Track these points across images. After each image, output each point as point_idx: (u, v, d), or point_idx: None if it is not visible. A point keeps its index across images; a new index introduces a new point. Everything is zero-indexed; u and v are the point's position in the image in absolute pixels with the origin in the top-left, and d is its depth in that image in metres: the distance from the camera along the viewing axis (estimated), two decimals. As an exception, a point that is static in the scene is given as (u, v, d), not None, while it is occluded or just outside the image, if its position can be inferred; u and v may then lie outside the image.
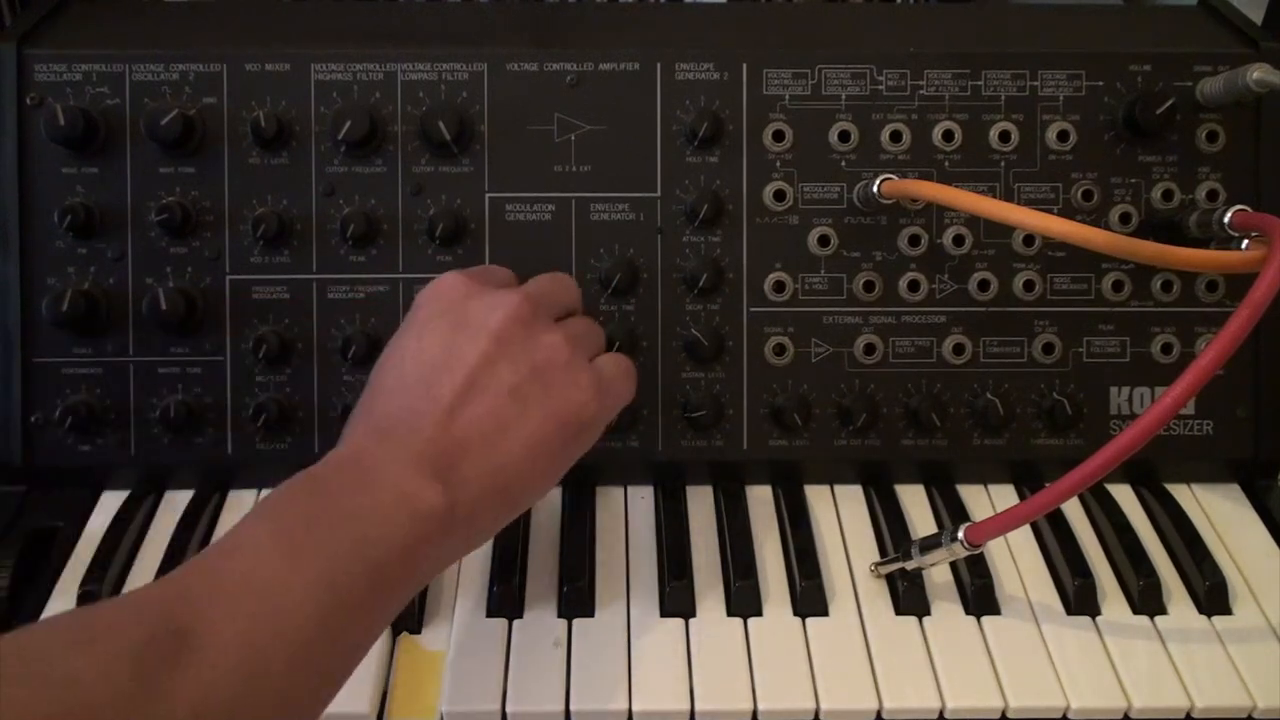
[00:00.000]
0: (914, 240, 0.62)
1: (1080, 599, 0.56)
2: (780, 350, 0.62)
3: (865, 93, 0.62)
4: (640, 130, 0.62)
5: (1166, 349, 0.62)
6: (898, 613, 0.56)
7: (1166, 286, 0.62)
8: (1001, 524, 0.51)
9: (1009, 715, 0.51)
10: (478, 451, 0.46)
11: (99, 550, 0.57)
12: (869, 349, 0.62)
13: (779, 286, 0.62)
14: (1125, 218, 0.62)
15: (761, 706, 0.51)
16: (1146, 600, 0.56)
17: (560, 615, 0.55)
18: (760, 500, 0.62)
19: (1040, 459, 0.63)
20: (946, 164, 0.62)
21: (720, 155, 0.62)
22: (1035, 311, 0.62)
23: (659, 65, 0.62)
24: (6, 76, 0.60)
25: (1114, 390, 0.63)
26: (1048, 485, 0.49)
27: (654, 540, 0.60)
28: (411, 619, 0.54)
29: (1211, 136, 0.62)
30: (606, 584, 0.57)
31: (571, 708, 0.51)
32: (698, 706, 0.51)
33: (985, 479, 0.64)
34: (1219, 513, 0.62)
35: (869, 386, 0.62)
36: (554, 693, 0.51)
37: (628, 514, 0.62)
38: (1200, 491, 0.64)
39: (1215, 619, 0.56)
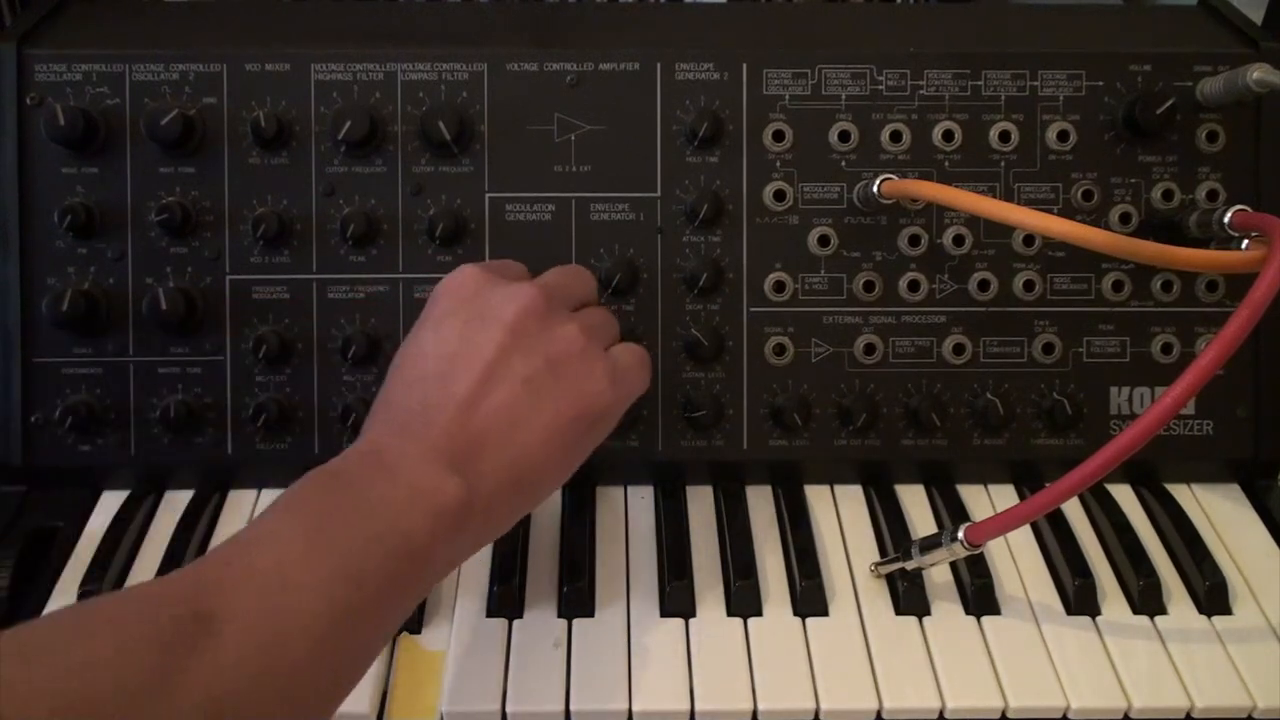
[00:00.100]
0: (914, 240, 0.62)
1: (1080, 599, 0.56)
2: (780, 350, 0.62)
3: (865, 93, 0.62)
4: (640, 130, 0.62)
5: (1166, 349, 0.62)
6: (898, 613, 0.56)
7: (1166, 286, 0.62)
8: (1001, 524, 0.51)
9: (1009, 715, 0.51)
10: (495, 444, 0.47)
11: (99, 550, 0.57)
12: (869, 349, 0.62)
13: (779, 286, 0.62)
14: (1125, 218, 0.62)
15: (761, 706, 0.51)
16: (1146, 600, 0.56)
17: (560, 615, 0.55)
18: (760, 500, 0.62)
19: (1040, 459, 0.63)
20: (946, 164, 0.62)
21: (720, 155, 0.62)
22: (1035, 311, 0.62)
23: (659, 65, 0.62)
24: (6, 76, 0.60)
25: (1114, 390, 0.63)
26: (1048, 485, 0.49)
27: (654, 540, 0.60)
28: (412, 619, 0.54)
29: (1211, 136, 0.62)
30: (606, 584, 0.57)
31: (571, 708, 0.51)
32: (698, 706, 0.51)
33: (985, 479, 0.64)
34: (1219, 513, 0.62)
35: (869, 386, 0.62)
36: (554, 693, 0.51)
37: (628, 514, 0.62)
38: (1200, 491, 0.64)
39: (1215, 619, 0.56)
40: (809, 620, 0.55)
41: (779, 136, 0.62)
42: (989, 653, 0.54)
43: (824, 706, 0.51)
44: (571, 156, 0.62)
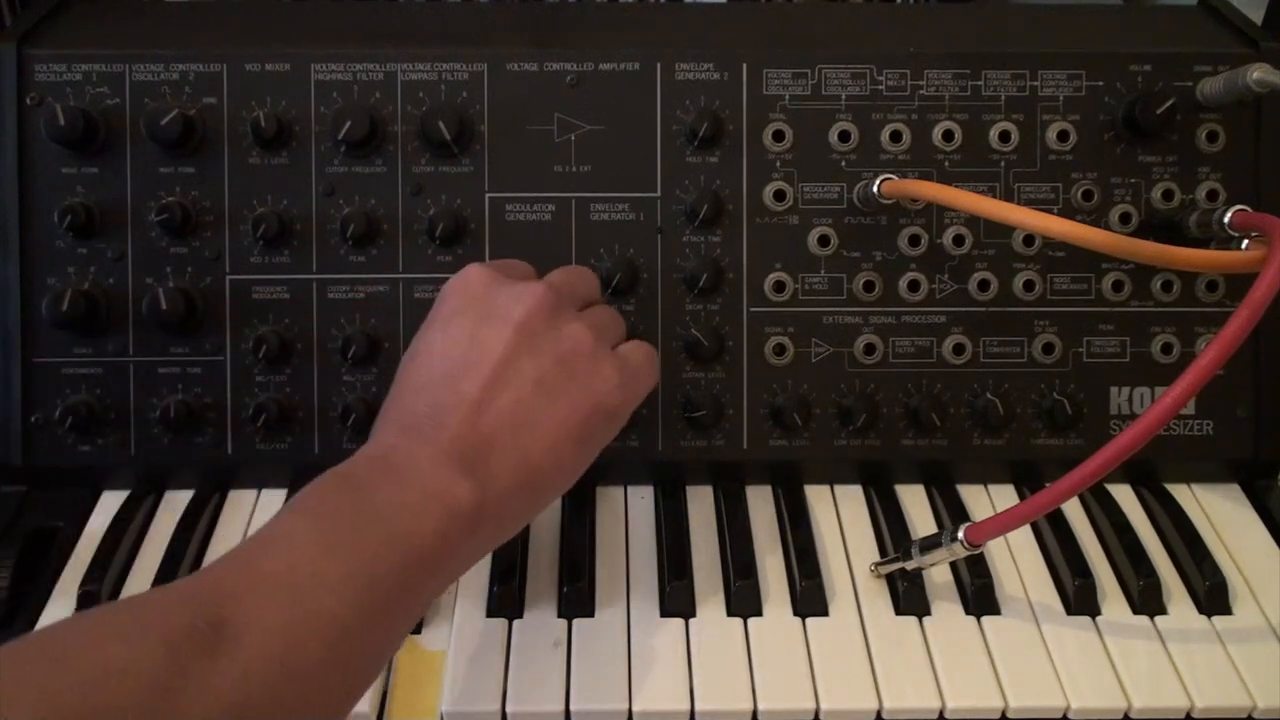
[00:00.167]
0: (914, 240, 0.62)
1: (1080, 599, 0.56)
2: (780, 350, 0.62)
3: (865, 93, 0.62)
4: (640, 130, 0.62)
5: (1166, 349, 0.62)
6: (898, 613, 0.56)
7: (1166, 286, 0.62)
8: (1001, 524, 0.51)
9: (1009, 715, 0.51)
10: (506, 445, 0.47)
11: (99, 550, 0.57)
12: (869, 349, 0.62)
13: (779, 286, 0.62)
14: (1125, 218, 0.62)
15: (761, 706, 0.51)
16: (1146, 600, 0.56)
17: (560, 615, 0.55)
18: (760, 500, 0.62)
19: (1040, 459, 0.63)
20: (946, 164, 0.62)
21: (720, 155, 0.62)
22: (1035, 311, 0.62)
23: (659, 65, 0.62)
24: (6, 76, 0.60)
25: (1114, 390, 0.63)
26: (1048, 485, 0.49)
27: (654, 540, 0.60)
28: (411, 619, 0.54)
29: (1211, 136, 0.62)
30: (606, 584, 0.57)
31: (571, 708, 0.51)
32: (698, 706, 0.51)
33: (985, 479, 0.64)
34: (1219, 513, 0.62)
35: (869, 386, 0.62)
36: (554, 693, 0.51)
37: (628, 514, 0.62)
38: (1200, 491, 0.64)
39: (1215, 619, 0.56)
40: (809, 620, 0.55)
41: (779, 136, 0.62)
42: (989, 653, 0.54)
43: (824, 706, 0.51)
44: (571, 156, 0.62)
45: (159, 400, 0.60)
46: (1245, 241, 0.53)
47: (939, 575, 0.57)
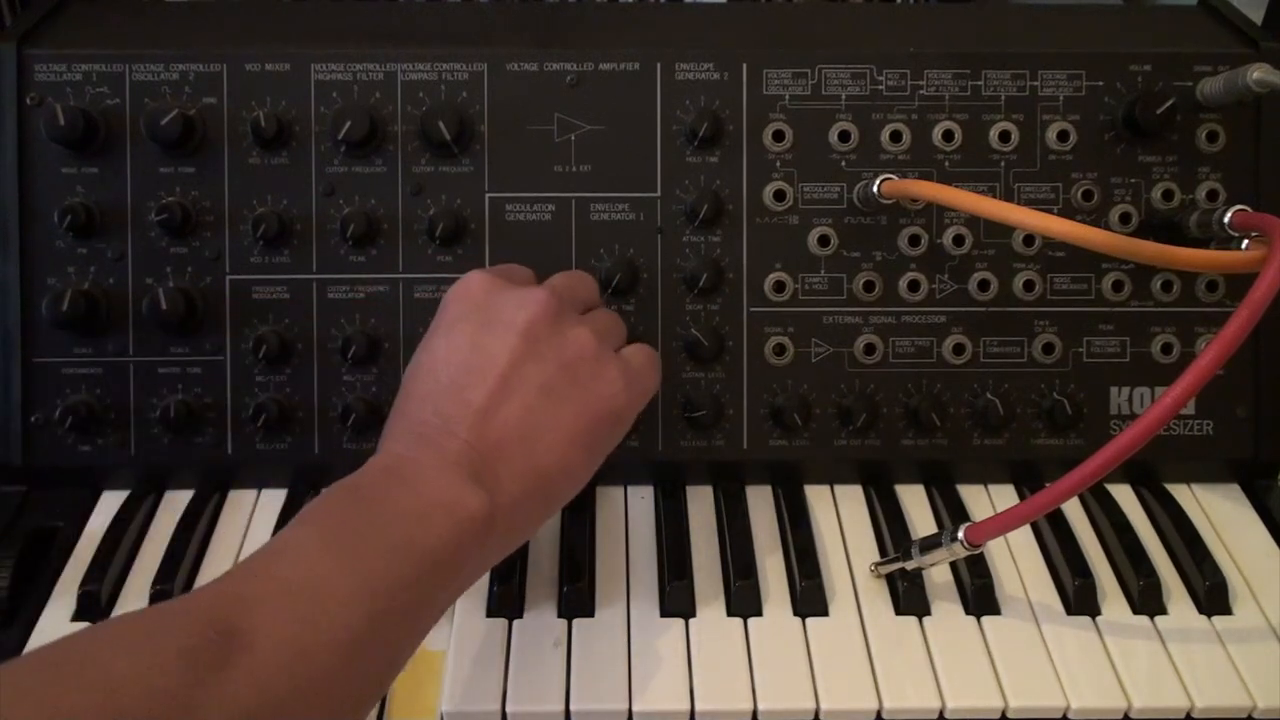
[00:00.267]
0: (914, 240, 0.62)
1: (1080, 599, 0.56)
2: (780, 350, 0.62)
3: (865, 93, 0.62)
4: (640, 130, 0.62)
5: (1166, 349, 0.62)
6: (898, 613, 0.56)
7: (1166, 286, 0.62)
8: (1001, 524, 0.51)
9: (1009, 715, 0.51)
10: (514, 452, 0.47)
11: (99, 550, 0.57)
12: (869, 349, 0.62)
13: (779, 286, 0.62)
14: (1125, 218, 0.62)
15: (761, 706, 0.51)
16: (1146, 600, 0.56)
17: (560, 615, 0.55)
18: (760, 500, 0.62)
19: (1040, 459, 0.63)
20: (946, 164, 0.62)
21: (720, 155, 0.62)
22: (1035, 311, 0.62)
23: (659, 65, 0.62)
24: (6, 76, 0.60)
25: (1114, 390, 0.63)
26: (1048, 485, 0.49)
27: (654, 540, 0.60)
28: (411, 619, 0.54)
29: (1211, 136, 0.62)
30: (606, 584, 0.57)
31: (571, 708, 0.51)
32: (698, 706, 0.51)
33: (985, 479, 0.64)
34: (1219, 513, 0.62)
35: (869, 386, 0.62)
36: (554, 693, 0.51)
37: (628, 514, 0.62)
38: (1200, 491, 0.64)
39: (1215, 619, 0.56)
40: (809, 620, 0.55)
41: (779, 136, 0.62)
42: (989, 653, 0.54)
43: (824, 706, 0.51)
44: (571, 156, 0.62)
45: (159, 400, 0.60)
46: (1245, 241, 0.53)
47: (939, 575, 0.57)
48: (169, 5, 0.70)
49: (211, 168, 0.61)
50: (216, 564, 0.58)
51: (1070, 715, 0.51)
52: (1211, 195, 0.62)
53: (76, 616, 0.55)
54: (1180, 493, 0.63)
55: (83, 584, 0.55)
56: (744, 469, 0.63)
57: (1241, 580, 0.58)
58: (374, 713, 0.51)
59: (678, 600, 0.56)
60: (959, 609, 0.56)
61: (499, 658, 0.53)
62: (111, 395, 0.60)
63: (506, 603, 0.55)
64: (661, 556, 0.59)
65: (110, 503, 0.61)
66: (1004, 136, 0.62)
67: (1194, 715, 0.52)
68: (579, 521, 0.60)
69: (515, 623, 0.55)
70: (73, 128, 0.58)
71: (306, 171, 0.61)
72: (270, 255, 0.61)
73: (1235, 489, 0.64)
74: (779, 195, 0.62)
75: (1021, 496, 0.63)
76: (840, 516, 0.62)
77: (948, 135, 0.62)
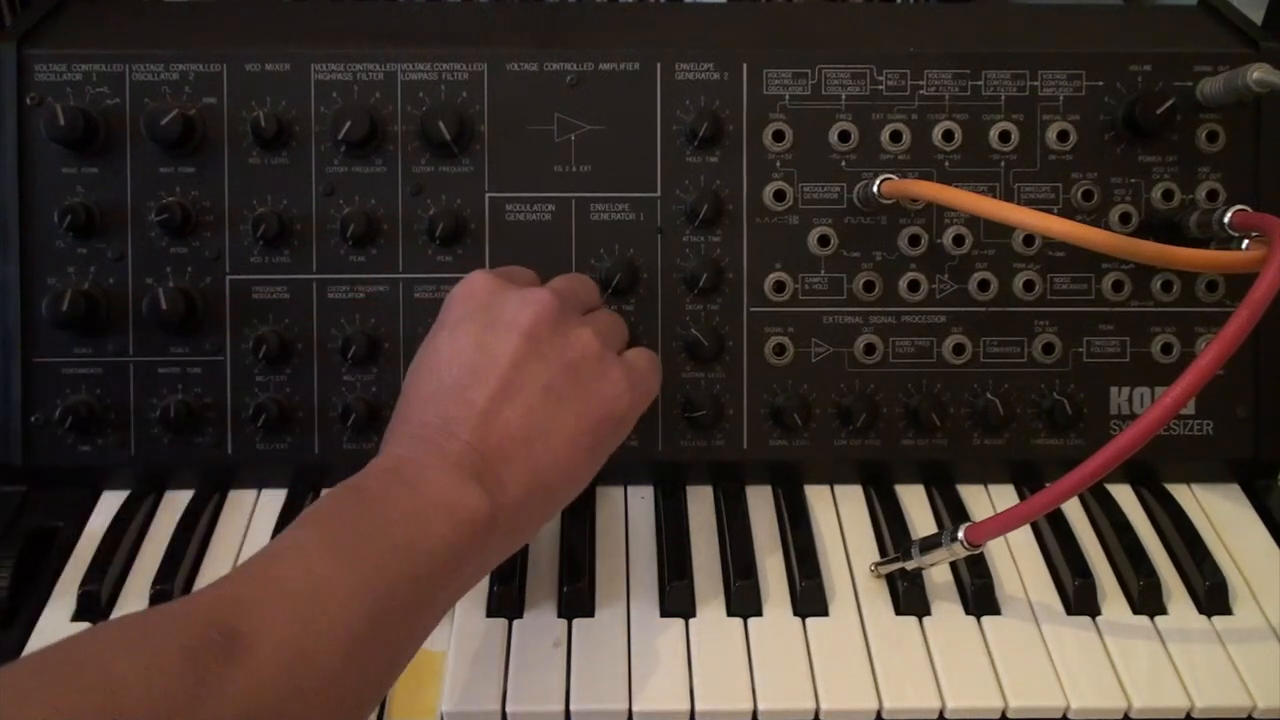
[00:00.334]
0: (914, 240, 0.62)
1: (1080, 599, 0.56)
2: (780, 350, 0.62)
3: (865, 93, 0.62)
4: (640, 130, 0.62)
5: (1166, 349, 0.62)
6: (898, 613, 0.56)
7: (1166, 286, 0.62)
8: (1001, 524, 0.51)
9: (1009, 715, 0.51)
10: (516, 454, 0.47)
11: (99, 550, 0.57)
12: (869, 349, 0.62)
13: (779, 286, 0.62)
14: (1125, 218, 0.62)
15: (761, 706, 0.51)
16: (1146, 600, 0.56)
17: (560, 615, 0.55)
18: (760, 500, 0.62)
19: (1040, 459, 0.63)
20: (946, 164, 0.62)
21: (720, 155, 0.62)
22: (1035, 311, 0.62)
23: (659, 65, 0.62)
24: (6, 76, 0.60)
25: (1114, 390, 0.63)
26: (1048, 485, 0.49)
27: (654, 540, 0.60)
28: (411, 619, 0.54)
29: (1211, 136, 0.62)
30: (606, 584, 0.57)
31: (571, 708, 0.51)
32: (698, 706, 0.51)
33: (985, 479, 0.64)
34: (1219, 513, 0.62)
35: (869, 386, 0.62)
36: (554, 693, 0.51)
37: (628, 514, 0.62)
38: (1200, 491, 0.64)
39: (1215, 619, 0.56)
40: (809, 620, 0.55)
41: (779, 136, 0.62)
42: (989, 653, 0.54)
43: (824, 706, 0.51)
44: (571, 156, 0.62)
45: (159, 400, 0.60)
46: (1245, 241, 0.53)
47: (939, 575, 0.57)
48: (169, 5, 0.70)
49: (211, 168, 0.61)
50: (216, 564, 0.58)
51: (1070, 715, 0.51)
52: (1211, 195, 0.62)
53: (76, 617, 0.55)
54: (1180, 493, 0.63)
55: (83, 584, 0.55)
56: (744, 469, 0.63)
57: (1241, 580, 0.58)
58: (374, 713, 0.51)
59: (678, 600, 0.56)
60: (959, 609, 0.56)
61: (499, 658, 0.53)
62: (111, 395, 0.60)
63: (506, 603, 0.55)
64: (661, 556, 0.59)
65: (110, 503, 0.61)
66: (1004, 136, 0.62)
67: (1194, 715, 0.52)
68: (579, 521, 0.60)
69: (515, 623, 0.55)
70: (73, 128, 0.58)
71: (306, 171, 0.61)
72: (270, 255, 0.61)
73: (1235, 489, 0.64)
74: (779, 195, 0.62)
75: (1021, 496, 0.63)
76: (840, 516, 0.62)
77: (948, 135, 0.62)
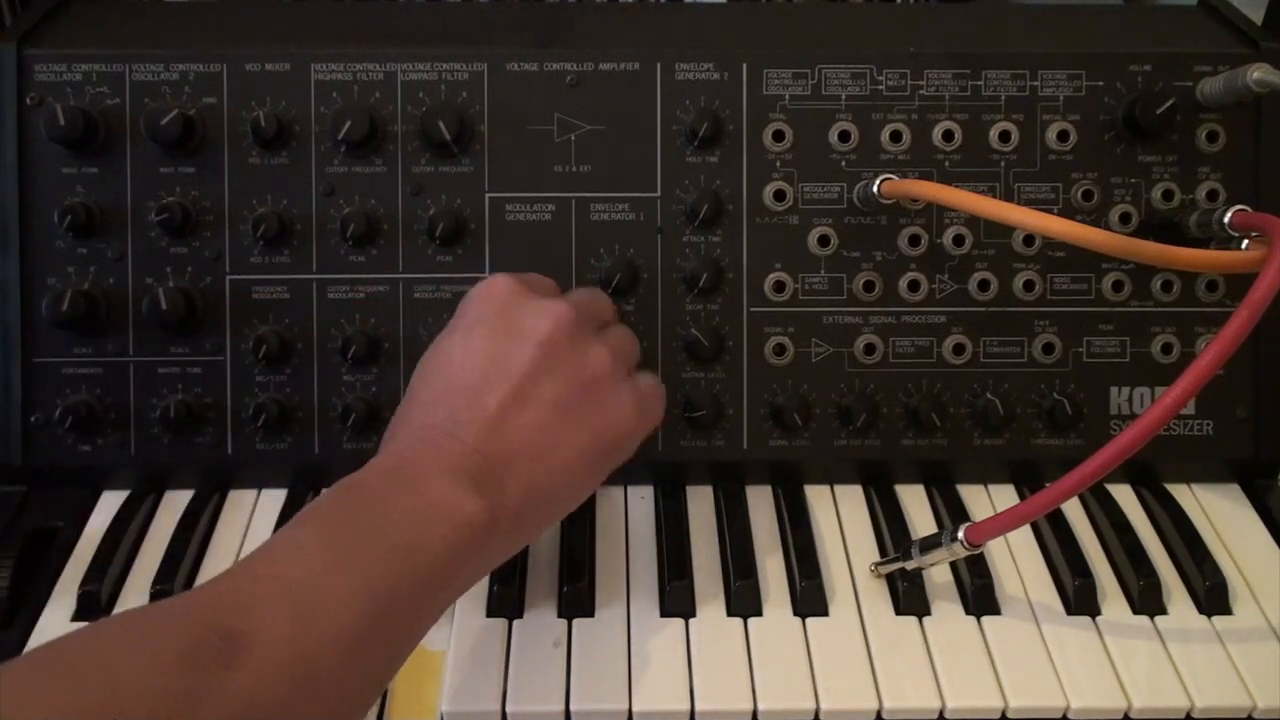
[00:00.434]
0: (914, 240, 0.62)
1: (1080, 599, 0.56)
2: (780, 350, 0.62)
3: (865, 93, 0.62)
4: (640, 130, 0.62)
5: (1166, 349, 0.62)
6: (898, 613, 0.56)
7: (1166, 286, 0.62)
8: (1001, 524, 0.51)
9: (1009, 715, 0.51)
10: (521, 465, 0.47)
11: (99, 550, 0.57)
12: (869, 349, 0.62)
13: (779, 286, 0.62)
14: (1125, 218, 0.62)
15: (761, 706, 0.51)
16: (1146, 600, 0.56)
17: (560, 615, 0.55)
18: (760, 500, 0.62)
19: (1040, 459, 0.63)
20: (946, 164, 0.62)
21: (720, 155, 0.62)
22: (1035, 311, 0.62)
23: (659, 65, 0.62)
24: (6, 76, 0.60)
25: (1114, 390, 0.63)
26: (1048, 485, 0.49)
27: (654, 540, 0.60)
28: (411, 619, 0.54)
29: (1211, 136, 0.62)
30: (606, 584, 0.57)
31: (571, 708, 0.51)
32: (698, 706, 0.51)
33: (985, 479, 0.64)
34: (1219, 513, 0.62)
35: (869, 386, 0.62)
36: (554, 693, 0.51)
37: (628, 514, 0.62)
38: (1200, 491, 0.64)
39: (1215, 619, 0.56)
40: (809, 620, 0.55)
41: (779, 136, 0.62)
42: (989, 653, 0.54)
43: (824, 706, 0.51)
44: (571, 156, 0.62)
45: (159, 400, 0.60)
46: (1245, 241, 0.53)
47: (939, 575, 0.57)
48: (169, 5, 0.70)
49: (211, 168, 0.61)
50: (216, 564, 0.58)
51: (1070, 715, 0.51)
52: (1211, 195, 0.62)
53: (76, 616, 0.55)
54: (1180, 493, 0.63)
55: (83, 584, 0.55)
56: (744, 469, 0.63)
57: (1241, 580, 0.58)
58: (374, 713, 0.51)
59: (678, 600, 0.56)
60: (959, 609, 0.56)
61: (499, 658, 0.53)
62: (111, 395, 0.60)
63: (506, 603, 0.55)
64: (661, 556, 0.59)
65: (110, 503, 0.61)
66: (1004, 136, 0.62)
67: (1194, 715, 0.52)
68: (579, 521, 0.59)
69: (515, 623, 0.55)
70: (73, 128, 0.58)
71: (306, 171, 0.61)
72: (270, 255, 0.61)
73: (1235, 489, 0.64)
74: (779, 195, 0.62)
75: (1021, 496, 0.63)
76: (840, 516, 0.62)
77: (948, 135, 0.62)
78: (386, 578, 0.41)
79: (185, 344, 0.61)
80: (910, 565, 0.56)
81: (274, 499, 0.62)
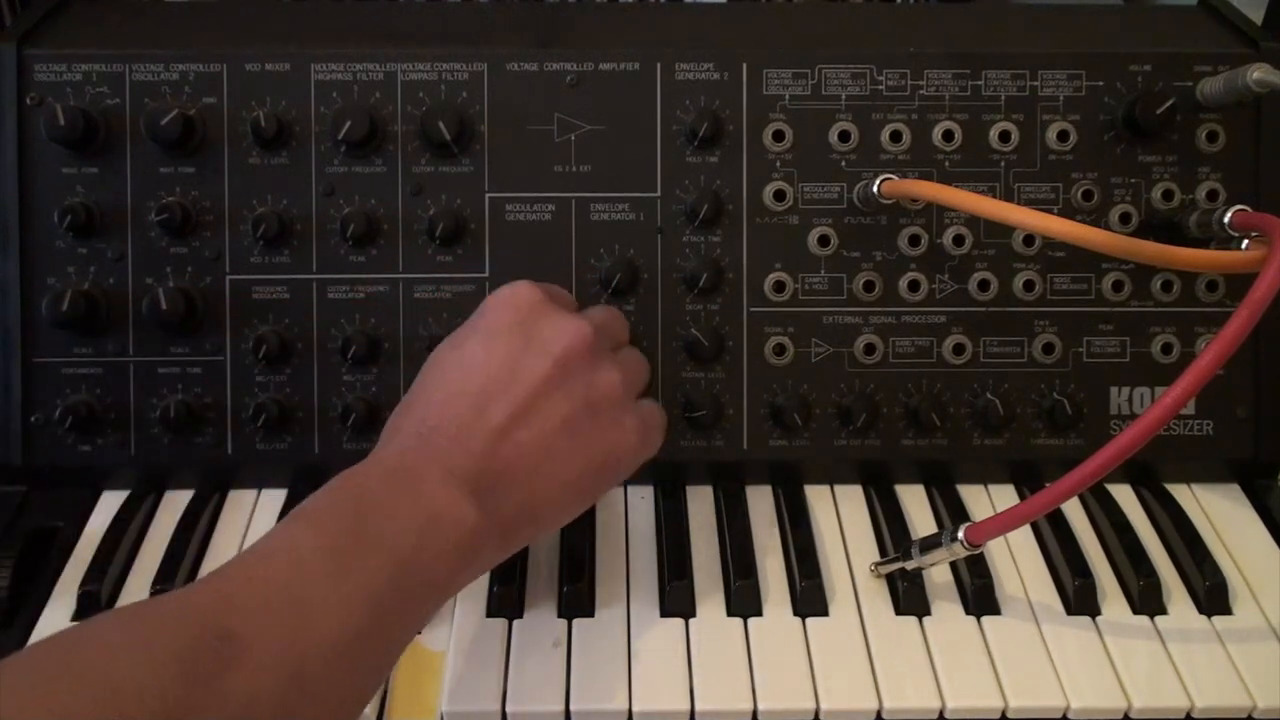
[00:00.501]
0: (914, 240, 0.62)
1: (1080, 599, 0.56)
2: (780, 350, 0.62)
3: (865, 93, 0.62)
4: (640, 130, 0.62)
5: (1166, 349, 0.62)
6: (898, 613, 0.56)
7: (1166, 286, 0.62)
8: (1001, 524, 0.51)
9: (1009, 715, 0.51)
10: (519, 479, 0.47)
11: (99, 550, 0.57)
12: (869, 349, 0.62)
13: (779, 286, 0.62)
14: (1125, 218, 0.62)
15: (761, 706, 0.51)
16: (1146, 600, 0.56)
17: (560, 615, 0.55)
18: (760, 500, 0.62)
19: (1040, 459, 0.63)
20: (946, 164, 0.62)
21: (720, 155, 0.62)
22: (1035, 311, 0.62)
23: (659, 65, 0.62)
24: (6, 76, 0.60)
25: (1114, 390, 0.63)
26: (1048, 485, 0.49)
27: (654, 540, 0.60)
28: (411, 619, 0.54)
29: (1211, 136, 0.62)
30: (606, 584, 0.57)
31: (571, 708, 0.51)
32: (698, 706, 0.51)
33: (985, 479, 0.64)
34: (1219, 513, 0.62)
35: (869, 386, 0.62)
36: (554, 693, 0.51)
37: (628, 514, 0.62)
38: (1200, 491, 0.64)
39: (1215, 619, 0.56)
40: (809, 620, 0.55)
41: (779, 136, 0.62)
42: (989, 653, 0.54)
43: (824, 706, 0.51)
44: (571, 156, 0.62)
45: (159, 400, 0.60)
46: (1245, 241, 0.53)
47: (939, 575, 0.57)
48: (169, 5, 0.70)
49: (211, 168, 0.61)
50: (216, 564, 0.57)
51: (1070, 715, 0.51)
52: (1211, 195, 0.62)
53: (76, 616, 0.55)
54: (1180, 493, 0.63)
55: (83, 584, 0.55)
56: (744, 469, 0.63)
57: (1241, 580, 0.58)
58: (374, 713, 0.51)
59: (678, 600, 0.56)
60: (959, 609, 0.56)
61: (499, 658, 0.53)
62: (111, 395, 0.60)
63: (506, 603, 0.55)
64: (661, 556, 0.59)
65: (110, 503, 0.61)
66: (1004, 136, 0.62)
67: (1194, 715, 0.52)
68: (579, 521, 0.59)
69: (515, 623, 0.55)
70: (73, 128, 0.58)
71: (306, 171, 0.61)
72: (270, 255, 0.61)
73: (1235, 489, 0.64)
74: (779, 195, 0.62)
75: (1021, 496, 0.63)
76: (840, 516, 0.62)
77: (948, 135, 0.62)
78: (382, 587, 0.42)
79: (185, 344, 0.61)
80: (910, 565, 0.56)
81: (274, 499, 0.62)
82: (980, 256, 0.62)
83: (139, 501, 0.61)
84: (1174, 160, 0.62)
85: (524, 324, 0.50)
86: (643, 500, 0.62)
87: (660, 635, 0.54)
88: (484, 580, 0.56)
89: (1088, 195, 0.62)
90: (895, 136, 0.62)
